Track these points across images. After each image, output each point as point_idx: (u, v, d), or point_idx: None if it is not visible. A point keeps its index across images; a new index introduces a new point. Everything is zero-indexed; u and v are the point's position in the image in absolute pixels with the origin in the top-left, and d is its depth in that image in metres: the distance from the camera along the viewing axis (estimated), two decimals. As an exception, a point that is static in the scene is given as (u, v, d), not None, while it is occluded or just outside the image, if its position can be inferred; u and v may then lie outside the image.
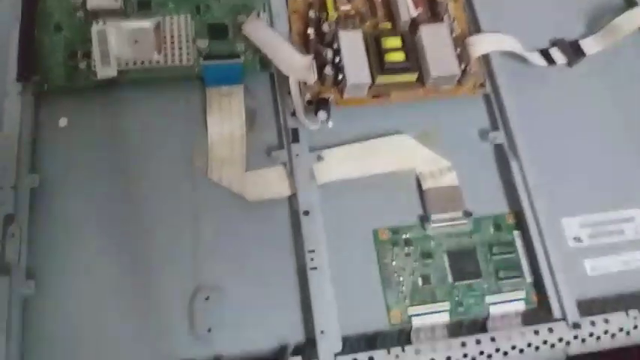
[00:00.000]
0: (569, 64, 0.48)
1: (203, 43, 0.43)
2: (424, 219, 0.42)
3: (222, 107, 0.42)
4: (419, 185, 0.43)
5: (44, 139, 0.41)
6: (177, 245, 0.39)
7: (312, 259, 0.38)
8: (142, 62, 0.42)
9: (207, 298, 0.38)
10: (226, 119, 0.42)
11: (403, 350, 0.37)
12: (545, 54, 0.48)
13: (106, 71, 0.41)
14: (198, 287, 0.38)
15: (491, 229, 0.42)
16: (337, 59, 0.43)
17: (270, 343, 0.38)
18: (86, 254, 0.38)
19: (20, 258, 0.37)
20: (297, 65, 0.42)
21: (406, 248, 0.41)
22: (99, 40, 0.41)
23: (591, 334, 0.39)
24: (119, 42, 0.41)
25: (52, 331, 0.36)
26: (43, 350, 0.36)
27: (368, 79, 0.42)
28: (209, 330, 0.37)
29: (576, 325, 0.38)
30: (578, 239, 0.43)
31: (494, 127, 0.45)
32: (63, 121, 0.42)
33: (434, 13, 0.46)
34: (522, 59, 0.47)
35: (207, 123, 0.42)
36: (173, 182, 0.41)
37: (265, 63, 0.43)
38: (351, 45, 0.43)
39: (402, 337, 0.39)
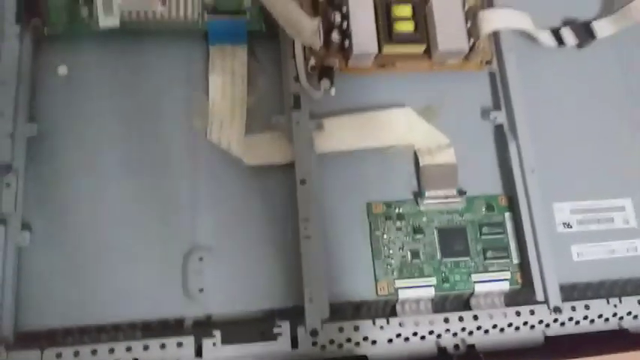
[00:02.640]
0: (579, 45, 0.47)
1: (209, -4, 0.41)
2: (418, 195, 0.42)
3: (225, 67, 0.42)
4: (416, 161, 0.43)
5: (43, 86, 0.40)
6: (174, 204, 0.39)
7: (305, 228, 0.38)
8: (146, 13, 0.40)
9: (200, 259, 0.38)
10: (228, 80, 0.41)
11: (388, 322, 0.38)
12: (555, 34, 0.47)
13: (108, 20, 0.39)
14: (192, 247, 0.39)
15: (483, 209, 0.42)
16: (345, 24, 0.42)
17: (259, 306, 0.38)
18: (82, 207, 0.38)
19: (16, 208, 0.37)
20: (303, 28, 0.41)
21: (398, 222, 0.41)
22: (103, -14, 0.39)
23: (571, 319, 0.40)
24: (123, -10, 0.40)
25: (46, 282, 0.37)
26: (37, 300, 0.36)
27: (375, 49, 0.41)
28: (201, 290, 0.38)
29: (557, 309, 0.39)
30: (567, 225, 0.43)
31: (497, 107, 0.44)
32: (62, 69, 0.41)
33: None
34: (532, 37, 0.46)
35: (208, 82, 0.41)
36: (172, 140, 0.41)
37: (271, 23, 0.42)
38: (361, 10, 0.42)
39: (387, 308, 0.40)
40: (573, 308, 0.40)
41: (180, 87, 0.42)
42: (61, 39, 0.41)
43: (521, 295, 0.41)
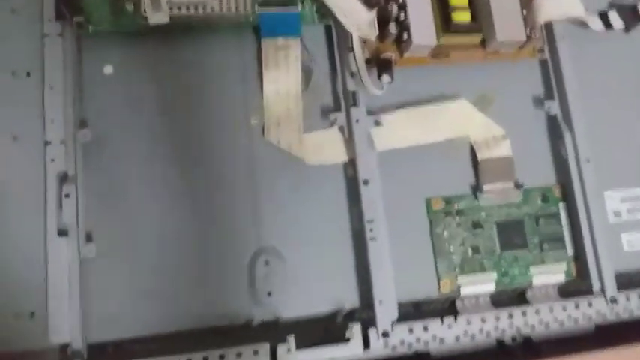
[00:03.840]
0: (626, 29, 0.46)
1: (260, -12, 0.39)
2: (476, 189, 0.42)
3: (279, 62, 0.40)
4: (472, 154, 0.42)
5: (90, 88, 0.38)
6: (235, 207, 0.38)
7: (371, 230, 0.38)
8: (196, 8, 0.38)
9: (267, 263, 0.38)
10: (282, 75, 0.40)
11: (455, 320, 0.38)
12: (603, 17, 0.46)
13: (157, 16, 0.37)
14: (258, 250, 0.38)
15: (539, 201, 0.43)
16: (402, 15, 0.40)
17: (327, 306, 0.38)
18: (144, 215, 0.37)
19: (78, 219, 0.35)
20: (361, 19, 0.39)
21: (457, 218, 0.41)
22: (149, -19, 0.37)
23: (625, 309, 0.41)
24: (171, -16, 0.37)
25: (112, 293, 0.36)
26: (105, 312, 0.36)
27: (434, 40, 0.40)
28: (269, 293, 0.37)
29: (613, 300, 0.40)
30: (617, 213, 0.44)
31: (549, 96, 0.44)
32: (108, 69, 0.39)
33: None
34: (581, 22, 0.45)
35: (262, 78, 0.40)
36: (230, 140, 0.39)
37: (323, 13, 0.40)
38: (418, 0, 0.40)
39: (447, 304, 0.40)
40: (627, 298, 0.41)
41: (233, 84, 0.40)
42: (104, 37, 0.38)
43: (574, 285, 0.42)
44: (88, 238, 0.36)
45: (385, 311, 0.37)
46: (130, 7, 0.38)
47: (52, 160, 0.36)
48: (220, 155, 0.39)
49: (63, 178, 0.36)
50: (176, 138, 0.39)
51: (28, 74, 0.37)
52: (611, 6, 0.47)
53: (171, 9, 0.38)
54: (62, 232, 0.35)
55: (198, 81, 0.40)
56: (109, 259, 0.36)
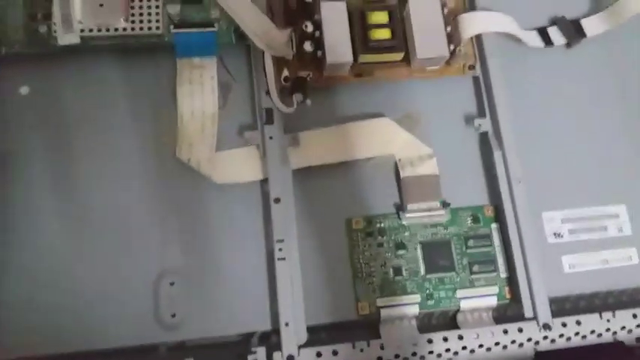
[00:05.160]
0: (569, 44, 0.45)
1: (174, 9, 0.40)
2: (400, 208, 0.40)
3: (193, 80, 0.40)
4: (397, 172, 0.41)
5: (3, 108, 0.39)
6: (142, 227, 0.38)
7: (280, 250, 0.37)
8: (107, 29, 0.39)
9: (172, 284, 0.37)
10: (197, 94, 0.40)
11: (368, 345, 0.36)
12: (542, 33, 0.45)
13: (67, 38, 0.38)
14: (163, 272, 0.37)
15: (469, 221, 0.41)
16: (317, 33, 0.40)
17: (235, 330, 0.37)
18: (46, 233, 0.37)
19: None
20: (273, 40, 0.39)
21: (379, 238, 0.40)
22: (60, 1, 0.38)
23: (561, 335, 0.38)
24: (83, 5, 0.38)
25: (17, 311, 0.35)
26: (10, 330, 0.35)
27: (349, 58, 0.40)
28: (173, 315, 0.36)
29: (547, 326, 0.38)
30: (558, 235, 0.41)
31: (481, 114, 0.43)
32: (24, 89, 0.39)
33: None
34: (517, 38, 0.44)
35: (176, 97, 0.40)
36: (140, 160, 0.39)
37: (242, 34, 0.40)
38: (334, 18, 0.40)
39: (370, 328, 0.38)
40: (564, 324, 0.38)
41: (147, 104, 0.40)
42: (21, 57, 0.39)
43: (511, 309, 0.40)
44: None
45: (291, 334, 0.36)
46: (43, 28, 0.39)
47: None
48: (129, 172, 0.39)
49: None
50: (85, 155, 0.39)
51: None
52: (553, 22, 0.46)
53: (82, 30, 0.38)
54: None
55: (112, 100, 0.40)
56: (10, 274, 0.36)
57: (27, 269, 0.37)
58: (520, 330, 0.38)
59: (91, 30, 0.38)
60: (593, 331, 0.38)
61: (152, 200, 0.38)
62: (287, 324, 0.36)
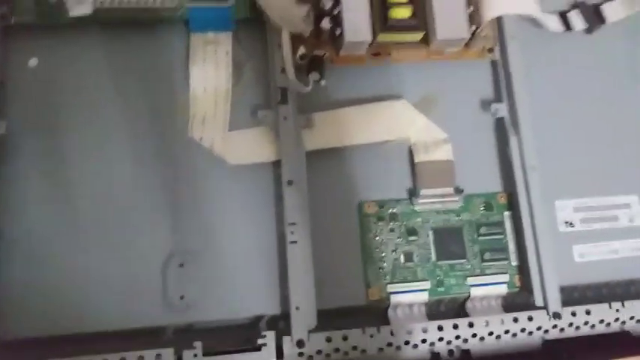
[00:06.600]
0: (588, 30, 0.44)
1: (189, -18, 0.38)
2: (413, 193, 0.40)
3: (207, 57, 0.39)
4: (411, 157, 0.40)
5: (11, 80, 0.38)
6: (152, 207, 0.37)
7: (292, 232, 0.36)
8: (120, 1, 0.37)
9: (181, 265, 0.36)
10: (211, 71, 0.39)
11: (379, 331, 0.36)
12: (563, 18, 0.44)
13: (79, 9, 0.37)
14: (172, 252, 0.37)
15: (481, 208, 0.40)
16: (336, 10, 0.39)
17: (244, 313, 0.37)
18: (54, 213, 0.36)
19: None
20: (292, 15, 0.38)
21: (391, 223, 0.39)
22: (72, -29, 0.36)
23: (570, 324, 0.38)
24: (95, -25, 0.37)
25: (19, 292, 0.35)
26: (12, 311, 0.35)
27: (368, 37, 0.38)
28: (182, 297, 0.36)
29: (556, 315, 0.38)
30: (569, 223, 0.41)
31: (498, 99, 0.42)
32: (33, 61, 0.38)
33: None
34: (537, 22, 0.43)
35: (189, 73, 0.39)
36: (151, 136, 0.38)
37: (258, 9, 0.39)
38: (354, -5, 0.39)
39: (379, 314, 0.38)
40: (573, 313, 0.38)
41: (160, 80, 0.39)
42: (30, 28, 0.38)
43: (520, 297, 0.40)
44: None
45: (301, 318, 0.35)
46: (53, -1, 0.37)
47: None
48: (140, 150, 0.38)
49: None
50: (95, 131, 0.38)
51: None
52: (573, 6, 0.44)
53: (94, 1, 0.37)
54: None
55: (123, 76, 0.39)
56: (19, 256, 0.35)
57: (35, 249, 0.36)
58: (530, 318, 0.38)
59: (102, 1, 0.37)
60: (602, 321, 0.38)
61: (163, 180, 0.37)
62: (297, 308, 0.35)
